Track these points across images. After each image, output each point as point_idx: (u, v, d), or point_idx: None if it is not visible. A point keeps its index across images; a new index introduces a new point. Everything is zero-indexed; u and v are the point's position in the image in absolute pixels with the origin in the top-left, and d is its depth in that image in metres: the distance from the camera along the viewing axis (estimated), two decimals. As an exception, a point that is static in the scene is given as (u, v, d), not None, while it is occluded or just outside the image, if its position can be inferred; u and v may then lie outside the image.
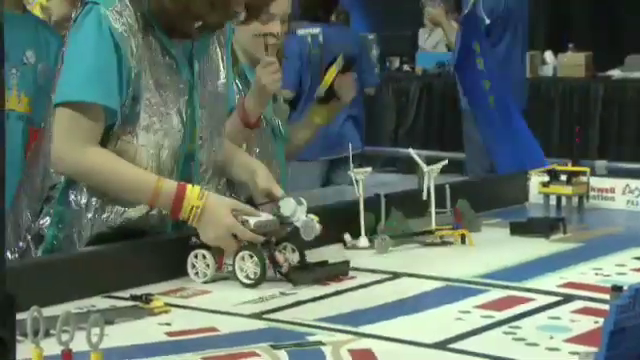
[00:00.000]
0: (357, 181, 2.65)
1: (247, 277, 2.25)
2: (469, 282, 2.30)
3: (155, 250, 2.34)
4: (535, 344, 1.80)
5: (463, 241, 2.73)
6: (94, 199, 2.35)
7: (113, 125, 2.31)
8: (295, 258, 2.34)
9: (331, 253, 2.52)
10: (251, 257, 2.24)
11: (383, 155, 9.56)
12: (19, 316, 1.26)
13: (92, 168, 2.30)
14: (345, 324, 1.93)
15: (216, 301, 2.14)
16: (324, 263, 2.37)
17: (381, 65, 10.58)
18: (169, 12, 2.32)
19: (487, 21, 5.87)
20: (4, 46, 1.25)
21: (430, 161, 2.81)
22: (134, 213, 2.37)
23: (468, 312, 2.03)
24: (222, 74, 2.54)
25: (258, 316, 2.02)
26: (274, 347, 1.77)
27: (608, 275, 2.37)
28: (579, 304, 2.09)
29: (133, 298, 2.09)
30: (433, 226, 2.73)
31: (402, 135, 9.88)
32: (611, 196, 3.34)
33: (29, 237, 2.41)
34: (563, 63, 9.63)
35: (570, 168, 3.37)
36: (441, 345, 1.80)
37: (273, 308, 2.07)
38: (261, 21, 3.00)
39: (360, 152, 6.10)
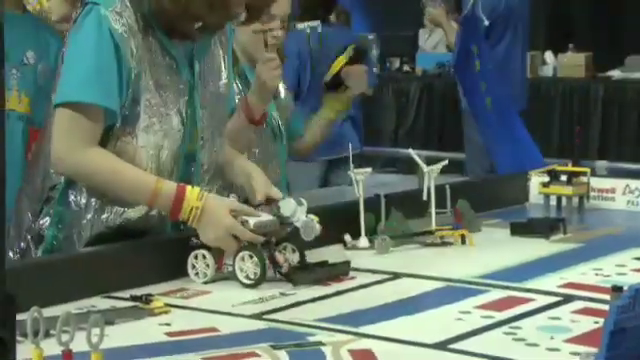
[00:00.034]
0: (357, 181, 2.65)
1: (247, 277, 2.25)
2: (469, 282, 2.30)
3: (155, 250, 2.33)
4: (535, 344, 1.80)
5: (463, 241, 2.73)
6: (93, 200, 2.35)
7: (113, 126, 2.31)
8: (295, 258, 2.34)
9: (331, 254, 2.52)
10: (251, 257, 2.24)
11: (383, 155, 9.55)
12: (19, 316, 1.26)
13: (91, 169, 2.30)
14: (345, 324, 1.93)
15: (216, 301, 2.14)
16: (324, 263, 2.37)
17: (381, 65, 10.58)
18: (168, 13, 2.32)
19: (486, 22, 5.87)
20: (4, 46, 1.25)
21: (430, 161, 2.81)
22: (133, 214, 2.37)
23: (468, 312, 2.03)
24: (224, 74, 2.54)
25: (258, 316, 2.01)
26: (274, 347, 1.77)
27: (608, 275, 2.37)
28: (579, 304, 2.09)
29: (133, 298, 2.08)
30: (433, 226, 2.73)
31: (402, 135, 9.88)
32: (611, 196, 3.34)
33: (29, 237, 2.41)
34: (563, 63, 9.64)
35: (570, 168, 3.37)
36: (441, 345, 1.80)
37: (273, 308, 2.07)
38: (261, 22, 3.01)
39: (359, 152, 6.10)
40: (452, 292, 2.23)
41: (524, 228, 2.89)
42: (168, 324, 1.95)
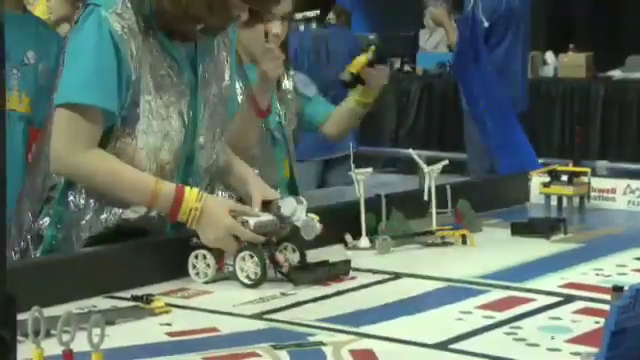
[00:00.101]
0: (358, 181, 2.65)
1: (248, 277, 2.25)
2: (470, 282, 2.30)
3: (156, 250, 2.33)
4: (536, 344, 1.80)
5: (464, 241, 2.72)
6: (92, 200, 2.35)
7: (112, 127, 2.31)
8: (295, 258, 2.34)
9: (332, 254, 2.52)
10: (252, 257, 2.24)
11: (384, 155, 9.55)
12: (20, 316, 1.26)
13: (90, 170, 2.30)
14: (346, 324, 1.93)
15: (217, 301, 2.14)
16: (325, 263, 2.37)
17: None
18: (168, 14, 2.31)
19: (486, 24, 5.87)
20: (4, 46, 1.25)
21: (431, 161, 2.81)
22: (132, 214, 2.37)
23: (469, 312, 2.03)
24: (226, 76, 2.54)
25: (259, 316, 2.01)
26: (275, 347, 1.77)
27: (609, 275, 2.37)
28: (580, 304, 2.09)
29: (134, 298, 2.08)
30: (434, 226, 2.73)
31: (403, 135, 9.88)
32: (612, 196, 3.34)
33: (29, 237, 2.41)
34: (564, 63, 9.64)
35: (571, 168, 3.37)
36: (442, 345, 1.80)
37: (274, 308, 2.07)
38: (263, 20, 3.01)
39: (354, 152, 6.11)
40: (453, 292, 2.23)
41: (525, 228, 2.89)
42: (169, 324, 1.95)
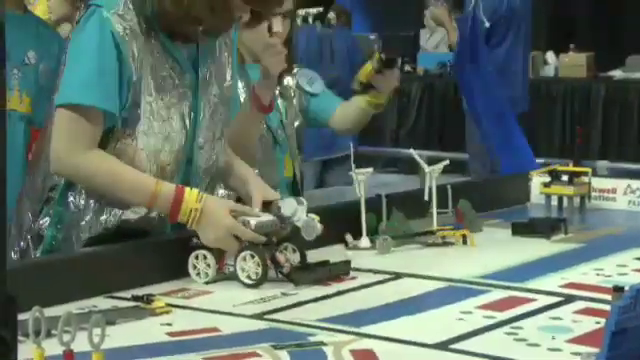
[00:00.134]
0: (358, 181, 2.65)
1: (248, 277, 2.25)
2: (470, 282, 2.30)
3: (157, 250, 2.33)
4: (537, 344, 1.80)
5: (464, 241, 2.72)
6: (92, 201, 2.35)
7: (113, 127, 2.31)
8: (296, 258, 2.34)
9: (333, 254, 2.52)
10: (252, 257, 2.24)
11: (384, 155, 9.56)
12: (21, 316, 1.26)
13: (90, 171, 2.30)
14: (346, 324, 1.93)
15: (217, 301, 2.14)
16: (325, 263, 2.37)
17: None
18: (170, 15, 2.31)
19: (487, 24, 5.87)
20: (5, 46, 1.25)
21: (431, 161, 2.81)
22: (132, 215, 2.37)
23: (470, 312, 2.03)
24: (228, 76, 2.54)
25: (259, 316, 2.01)
26: (275, 347, 1.77)
27: (609, 276, 2.37)
28: (581, 304, 2.09)
29: (135, 298, 2.08)
30: (434, 226, 2.73)
31: (403, 135, 9.88)
32: (612, 197, 3.34)
33: (29, 237, 2.41)
34: (564, 63, 9.64)
35: (571, 168, 3.37)
36: (443, 345, 1.80)
37: (274, 308, 2.07)
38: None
39: (354, 152, 6.11)
40: (453, 292, 2.23)
41: (525, 228, 2.89)
42: (169, 324, 1.95)
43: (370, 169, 2.69)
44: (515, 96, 5.96)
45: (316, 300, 2.15)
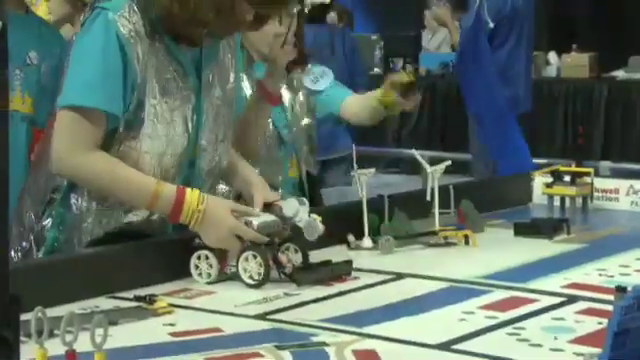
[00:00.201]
0: (360, 182, 2.65)
1: (251, 278, 2.25)
2: (473, 283, 2.30)
3: (159, 251, 2.34)
4: (539, 345, 1.80)
5: (467, 242, 2.72)
6: (94, 203, 2.36)
7: (117, 130, 2.31)
8: (298, 259, 2.34)
9: (335, 254, 2.52)
10: (255, 257, 2.24)
11: (387, 156, 9.56)
12: (23, 316, 1.26)
13: (91, 172, 2.30)
14: (349, 325, 1.93)
15: (220, 302, 2.14)
16: (327, 263, 2.37)
17: (385, 66, 10.58)
18: (177, 18, 2.31)
19: (491, 25, 5.86)
20: (7, 47, 1.25)
21: (433, 162, 2.81)
22: (134, 218, 2.37)
23: (472, 313, 2.03)
24: (231, 77, 2.54)
25: (262, 317, 2.01)
26: (278, 348, 1.77)
27: (612, 276, 2.37)
28: (583, 305, 2.09)
29: (137, 299, 2.08)
30: (437, 227, 2.73)
31: (405, 136, 9.89)
32: (615, 197, 3.34)
33: (31, 238, 2.41)
34: (567, 64, 9.64)
35: (574, 169, 3.37)
36: (445, 346, 1.80)
37: (277, 308, 2.07)
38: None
39: (351, 152, 6.12)
40: (456, 292, 2.23)
41: (528, 228, 2.89)
42: (172, 324, 1.95)
43: (372, 169, 2.69)
44: (519, 96, 5.96)
45: (318, 300, 2.15)
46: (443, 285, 2.29)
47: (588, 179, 3.31)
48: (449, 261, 2.58)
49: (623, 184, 3.35)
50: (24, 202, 2.45)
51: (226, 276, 2.30)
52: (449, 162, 2.82)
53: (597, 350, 1.60)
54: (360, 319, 1.98)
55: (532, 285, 2.26)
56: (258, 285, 2.23)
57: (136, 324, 1.96)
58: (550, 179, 3.35)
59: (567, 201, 3.30)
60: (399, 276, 2.38)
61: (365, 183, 2.65)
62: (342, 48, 7.05)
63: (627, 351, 1.40)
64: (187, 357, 1.73)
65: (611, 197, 3.34)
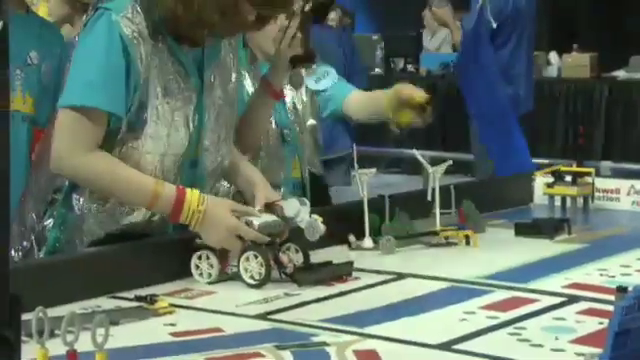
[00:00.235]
0: (361, 182, 2.65)
1: (252, 278, 2.25)
2: (474, 283, 2.30)
3: (160, 251, 2.34)
4: (540, 345, 1.80)
5: (468, 242, 2.72)
6: (96, 204, 2.36)
7: (119, 131, 2.31)
8: (299, 259, 2.34)
9: (335, 254, 2.52)
10: (256, 257, 2.24)
11: (387, 156, 9.56)
12: (24, 316, 1.26)
13: (91, 171, 2.30)
14: (350, 325, 1.93)
15: (221, 302, 2.14)
16: (328, 263, 2.37)
17: (385, 66, 10.59)
18: (181, 20, 2.31)
19: (494, 24, 5.86)
20: (8, 46, 1.25)
21: (434, 162, 2.81)
22: (135, 218, 2.37)
23: (473, 313, 2.03)
24: (233, 77, 2.54)
25: (263, 317, 2.02)
26: (279, 348, 1.77)
27: (613, 276, 2.37)
28: (584, 305, 2.09)
29: (138, 299, 2.09)
30: (438, 227, 2.73)
31: (406, 136, 9.87)
32: (616, 197, 3.34)
33: (33, 238, 2.41)
34: (568, 64, 9.64)
35: (575, 169, 3.37)
36: (446, 346, 1.80)
37: (278, 309, 2.07)
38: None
39: (351, 152, 6.12)
40: (456, 293, 2.23)
41: (529, 229, 2.89)
42: (173, 324, 1.95)
43: (373, 169, 2.69)
44: (520, 96, 5.96)
45: (319, 300, 2.15)
46: (444, 285, 2.29)
47: (589, 179, 3.31)
48: (450, 261, 2.58)
49: (624, 184, 3.35)
50: (26, 202, 2.45)
51: (227, 276, 2.30)
52: (450, 162, 2.82)
53: (598, 350, 1.60)
54: (361, 319, 1.98)
55: (533, 285, 2.26)
56: (259, 285, 2.23)
57: (137, 324, 1.96)
58: (551, 179, 3.35)
59: (568, 201, 3.30)
60: (400, 276, 2.38)
61: (366, 183, 2.65)
62: (343, 48, 7.06)
63: (628, 351, 1.40)
64: (188, 357, 1.73)
65: (612, 197, 3.34)
